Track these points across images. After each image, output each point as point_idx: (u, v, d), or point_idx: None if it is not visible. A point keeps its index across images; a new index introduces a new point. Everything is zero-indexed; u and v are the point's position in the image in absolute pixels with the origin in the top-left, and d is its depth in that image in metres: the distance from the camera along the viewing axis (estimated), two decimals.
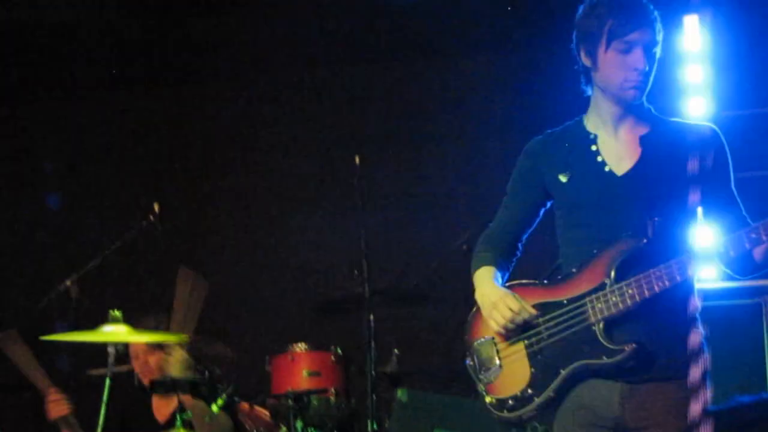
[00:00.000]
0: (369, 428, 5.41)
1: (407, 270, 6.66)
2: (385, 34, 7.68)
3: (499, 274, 3.79)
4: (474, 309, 3.81)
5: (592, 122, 3.71)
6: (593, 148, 3.66)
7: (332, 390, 5.52)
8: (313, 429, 5.44)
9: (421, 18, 7.54)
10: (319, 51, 7.80)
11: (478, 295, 3.77)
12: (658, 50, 3.57)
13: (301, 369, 5.57)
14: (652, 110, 3.69)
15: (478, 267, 3.84)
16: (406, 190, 7.77)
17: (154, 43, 7.74)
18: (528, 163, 3.84)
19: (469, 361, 3.81)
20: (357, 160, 5.81)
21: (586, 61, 3.64)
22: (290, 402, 5.47)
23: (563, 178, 3.68)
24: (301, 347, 5.63)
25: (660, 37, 3.58)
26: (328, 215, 7.67)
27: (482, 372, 3.75)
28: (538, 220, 3.87)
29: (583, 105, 3.84)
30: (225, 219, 8.08)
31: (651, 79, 3.58)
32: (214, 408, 5.15)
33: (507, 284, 3.76)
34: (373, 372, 5.58)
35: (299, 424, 5.41)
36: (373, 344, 5.57)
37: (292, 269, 7.79)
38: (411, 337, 6.74)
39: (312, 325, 6.37)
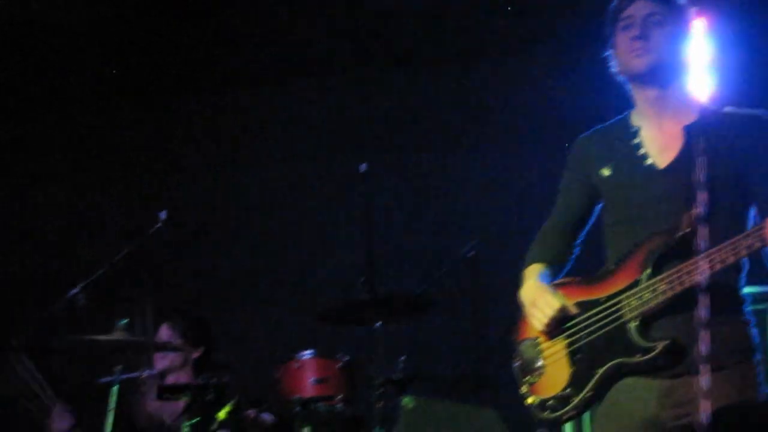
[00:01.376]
0: None
1: (414, 277, 6.66)
2: (391, 38, 7.69)
3: (548, 272, 3.75)
4: (522, 309, 3.77)
5: (635, 116, 3.68)
6: (635, 141, 3.62)
7: (339, 397, 5.52)
8: None
9: (429, 23, 7.56)
10: (327, 56, 7.82)
11: (521, 294, 3.74)
12: (664, 20, 3.53)
13: (307, 376, 5.57)
14: (700, 101, 3.64)
15: (528, 265, 3.81)
16: (412, 197, 7.78)
17: (158, 50, 7.76)
18: (573, 162, 3.82)
19: (516, 363, 3.77)
20: (363, 167, 5.81)
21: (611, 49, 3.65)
22: (297, 409, 5.47)
23: (606, 172, 3.64)
24: (307, 355, 5.63)
25: (668, 8, 3.54)
26: (335, 222, 7.68)
27: (527, 373, 3.72)
28: (592, 216, 3.81)
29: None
30: (232, 228, 8.09)
31: (660, 48, 3.53)
32: (221, 415, 5.16)
33: (553, 282, 3.72)
34: (379, 379, 5.58)
35: (306, 431, 5.41)
36: (379, 351, 5.57)
37: (298, 277, 7.80)
38: (417, 344, 6.74)
39: (318, 332, 6.36)
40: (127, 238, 5.74)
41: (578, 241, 3.87)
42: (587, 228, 3.85)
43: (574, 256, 3.87)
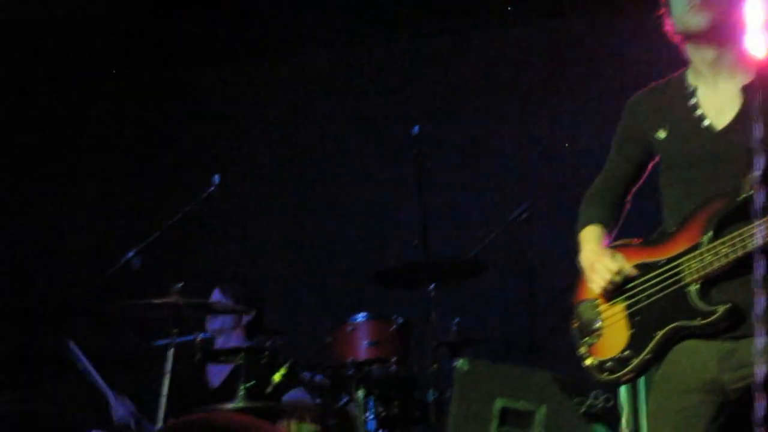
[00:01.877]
0: (429, 397, 5.42)
1: (467, 239, 6.65)
2: (440, 2, 7.66)
3: (604, 232, 3.73)
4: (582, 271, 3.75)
5: (691, 74, 3.60)
6: (692, 101, 3.55)
7: (392, 359, 5.54)
8: (374, 398, 5.45)
9: None
10: (378, 18, 7.80)
11: (581, 258, 3.72)
12: None
13: (361, 339, 5.58)
14: (756, 57, 3.53)
15: (584, 226, 3.79)
16: (465, 160, 7.76)
17: (209, 19, 7.79)
18: (627, 119, 3.75)
19: (574, 324, 3.76)
20: (416, 129, 5.80)
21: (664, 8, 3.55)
22: (351, 372, 5.49)
23: (662, 134, 3.59)
24: (361, 317, 5.65)
25: None
26: (387, 186, 7.68)
27: (585, 334, 3.71)
28: (644, 175, 3.77)
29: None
30: (284, 191, 8.12)
31: (719, 4, 3.44)
32: (276, 377, 5.20)
33: (611, 244, 3.70)
34: (433, 341, 5.59)
35: (360, 394, 5.43)
36: (433, 314, 5.57)
37: (352, 240, 7.82)
38: (471, 307, 6.74)
39: (372, 295, 6.39)
40: (181, 202, 5.77)
41: (629, 197, 3.84)
42: (639, 184, 3.82)
43: (625, 212, 3.85)
